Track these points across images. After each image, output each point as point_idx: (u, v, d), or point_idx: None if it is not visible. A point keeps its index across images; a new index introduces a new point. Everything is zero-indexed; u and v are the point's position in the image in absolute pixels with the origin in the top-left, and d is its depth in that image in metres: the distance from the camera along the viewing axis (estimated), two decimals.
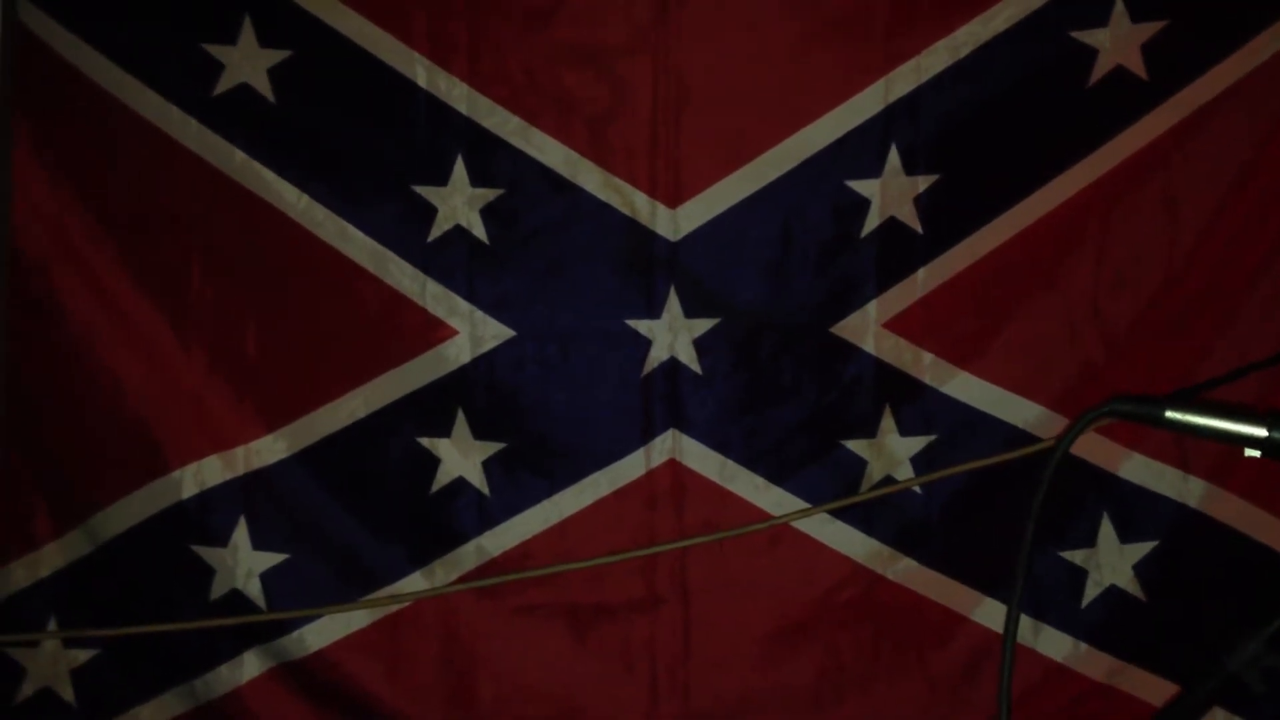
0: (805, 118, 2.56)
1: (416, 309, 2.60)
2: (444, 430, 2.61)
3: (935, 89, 2.54)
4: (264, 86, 2.59)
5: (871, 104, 2.56)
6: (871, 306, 2.58)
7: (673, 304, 2.59)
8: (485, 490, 2.61)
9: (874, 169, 2.55)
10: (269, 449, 2.62)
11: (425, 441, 2.61)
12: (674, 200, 2.59)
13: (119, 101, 2.58)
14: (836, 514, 2.57)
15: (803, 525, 2.57)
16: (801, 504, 2.59)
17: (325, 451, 2.60)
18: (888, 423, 2.59)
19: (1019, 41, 2.53)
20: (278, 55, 2.59)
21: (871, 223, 2.57)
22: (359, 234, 2.59)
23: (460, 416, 2.60)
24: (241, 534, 2.61)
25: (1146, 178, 2.53)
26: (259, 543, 2.61)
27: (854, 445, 2.60)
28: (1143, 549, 2.56)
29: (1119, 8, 2.51)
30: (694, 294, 2.59)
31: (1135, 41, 2.51)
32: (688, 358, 2.59)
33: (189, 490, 2.61)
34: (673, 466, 2.60)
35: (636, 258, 2.59)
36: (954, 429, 2.58)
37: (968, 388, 2.58)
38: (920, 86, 2.54)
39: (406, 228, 2.59)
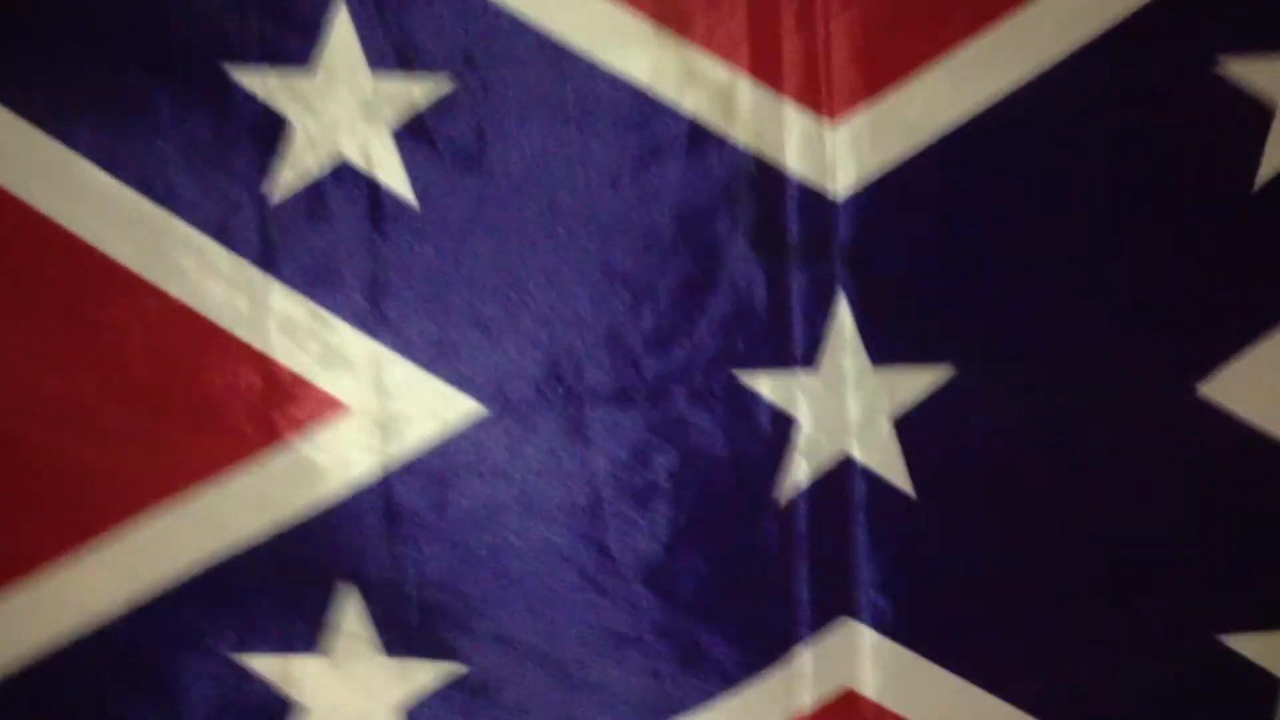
0: None
1: (247, 353, 1.32)
2: (305, 641, 1.34)
3: None
4: None
5: None
6: None
7: (839, 336, 1.32)
8: None
9: (1273, 34, 1.35)
10: None
11: (259, 665, 1.35)
12: (833, 107, 1.33)
13: None
14: None
15: None
16: None
17: (23, 690, 1.36)
18: None
19: None
20: None
21: (1275, 158, 1.37)
22: (113, 183, 1.31)
23: (354, 604, 1.36)
24: None
25: None
26: None
27: (1240, 643, 1.41)
28: None
29: None
30: (889, 315, 1.34)
31: None
32: (881, 459, 1.34)
33: None
34: (850, 704, 1.38)
35: (758, 233, 1.34)
36: None
37: None
38: None
39: (220, 171, 1.33)
